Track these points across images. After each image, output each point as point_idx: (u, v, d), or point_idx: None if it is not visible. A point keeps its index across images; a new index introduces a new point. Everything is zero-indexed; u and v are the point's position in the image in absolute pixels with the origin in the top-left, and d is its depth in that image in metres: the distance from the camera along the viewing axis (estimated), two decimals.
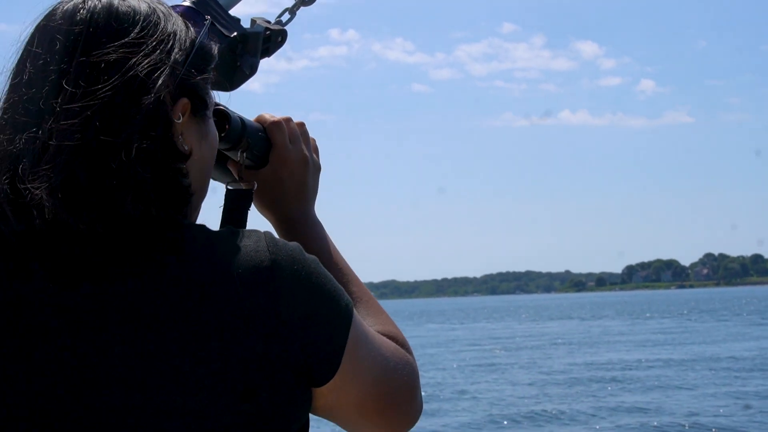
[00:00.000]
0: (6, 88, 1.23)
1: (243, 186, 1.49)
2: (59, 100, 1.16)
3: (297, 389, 1.20)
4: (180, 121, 1.23)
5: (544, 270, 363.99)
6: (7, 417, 1.14)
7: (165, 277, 1.15)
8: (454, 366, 30.73)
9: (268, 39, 1.57)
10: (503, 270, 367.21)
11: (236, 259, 1.18)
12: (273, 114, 1.53)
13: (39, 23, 1.25)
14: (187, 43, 1.25)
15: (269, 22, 1.60)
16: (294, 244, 1.25)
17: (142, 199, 1.15)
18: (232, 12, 1.55)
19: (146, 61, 1.19)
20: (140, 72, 1.17)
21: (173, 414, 1.13)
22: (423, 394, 1.40)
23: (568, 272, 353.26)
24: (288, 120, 1.53)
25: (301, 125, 1.55)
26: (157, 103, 1.18)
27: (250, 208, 1.47)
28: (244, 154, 1.47)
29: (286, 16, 1.62)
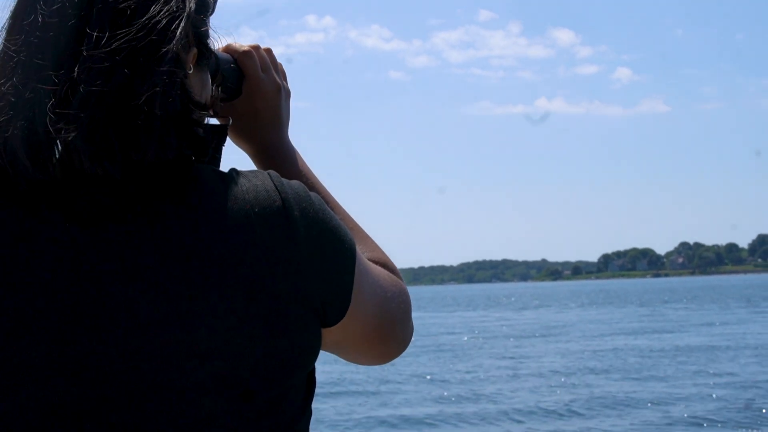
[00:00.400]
0: (10, 27, 1.20)
1: (218, 121, 1.45)
2: (84, 45, 1.14)
3: (316, 328, 1.22)
4: (191, 71, 1.24)
5: (520, 258, 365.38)
6: (23, 353, 1.12)
7: (186, 217, 1.15)
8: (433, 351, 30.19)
9: None
10: (480, 258, 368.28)
11: (251, 198, 1.19)
12: (240, 43, 1.51)
13: None
14: None
15: None
16: (297, 182, 1.26)
17: (164, 146, 1.15)
18: None
19: (166, 8, 1.18)
20: (162, 20, 1.17)
21: (198, 354, 1.12)
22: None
23: (544, 261, 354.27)
24: (257, 48, 1.52)
25: (269, 51, 1.54)
26: (177, 51, 1.18)
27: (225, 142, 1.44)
28: (219, 88, 1.45)
29: None
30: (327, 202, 1.40)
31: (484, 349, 32.66)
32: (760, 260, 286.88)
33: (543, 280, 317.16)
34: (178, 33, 1.18)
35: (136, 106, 1.13)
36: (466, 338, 38.24)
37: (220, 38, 1.41)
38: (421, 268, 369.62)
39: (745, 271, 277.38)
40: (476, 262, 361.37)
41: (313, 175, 1.54)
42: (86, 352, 1.12)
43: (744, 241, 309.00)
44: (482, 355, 29.89)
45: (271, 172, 1.26)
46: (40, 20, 1.16)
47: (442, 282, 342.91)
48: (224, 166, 1.29)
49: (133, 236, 1.14)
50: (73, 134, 1.11)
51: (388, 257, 1.45)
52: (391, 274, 1.39)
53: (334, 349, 1.32)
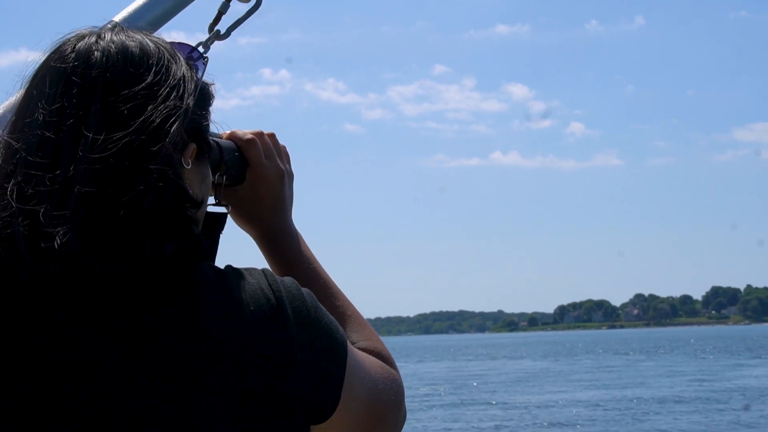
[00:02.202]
0: (13, 123, 1.23)
1: (220, 206, 1.50)
2: (80, 146, 1.16)
3: (305, 426, 1.24)
4: (189, 167, 1.25)
5: (477, 310, 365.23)
6: None
7: (182, 315, 1.17)
8: None
9: None
10: (436, 309, 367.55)
11: (246, 297, 1.22)
12: (244, 130, 1.54)
13: (48, 61, 1.24)
14: (192, 87, 1.26)
15: None
16: (289, 279, 1.29)
17: (159, 242, 1.16)
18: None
19: (162, 107, 1.19)
20: (157, 119, 1.18)
21: None
22: None
23: (501, 312, 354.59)
24: (261, 135, 1.54)
25: (272, 137, 1.56)
26: (172, 149, 1.19)
27: (223, 230, 1.48)
28: (223, 177, 1.48)
29: (200, 50, 1.56)
30: (329, 288, 1.49)
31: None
32: (713, 312, 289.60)
33: (500, 331, 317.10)
34: (171, 131, 1.19)
35: (127, 203, 1.15)
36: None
37: (222, 127, 1.45)
38: (378, 319, 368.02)
39: (699, 323, 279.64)
40: (433, 313, 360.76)
41: (315, 259, 1.55)
42: None
43: (698, 293, 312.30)
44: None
45: (266, 269, 1.29)
46: (39, 118, 1.19)
47: (399, 333, 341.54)
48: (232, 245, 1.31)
49: (132, 335, 1.16)
50: (69, 234, 1.13)
51: (383, 346, 1.45)
52: (383, 364, 1.40)
53: None
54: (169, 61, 1.25)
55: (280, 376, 1.20)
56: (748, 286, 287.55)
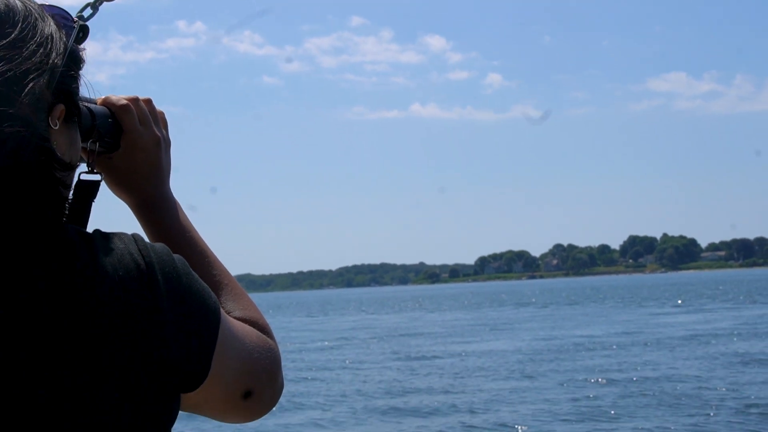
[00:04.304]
0: None
1: (93, 174, 1.44)
2: None
3: (175, 393, 1.22)
4: (57, 128, 1.21)
5: (398, 262, 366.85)
6: None
7: (50, 281, 1.13)
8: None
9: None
10: (358, 262, 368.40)
11: (115, 262, 1.18)
12: (118, 96, 1.49)
13: None
14: (62, 47, 1.22)
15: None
16: (160, 245, 1.27)
17: (23, 204, 1.13)
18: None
19: (27, 63, 1.16)
20: (21, 73, 1.14)
21: (65, 423, 1.11)
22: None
23: (422, 264, 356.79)
24: (135, 100, 1.50)
25: (149, 102, 1.53)
26: (36, 107, 1.15)
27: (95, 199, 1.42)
28: (96, 143, 1.45)
29: (87, 11, 1.51)
30: (206, 257, 1.47)
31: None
32: (630, 261, 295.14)
33: (422, 283, 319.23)
34: (38, 87, 1.15)
35: None
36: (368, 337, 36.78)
37: (97, 91, 1.39)
38: (300, 273, 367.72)
39: (617, 272, 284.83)
40: (355, 266, 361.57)
41: (193, 227, 1.53)
42: None
43: (616, 243, 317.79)
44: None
45: (136, 234, 1.26)
46: None
47: (321, 286, 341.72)
48: (106, 217, 1.27)
49: None
50: None
51: (260, 314, 1.45)
52: (259, 334, 1.39)
53: (193, 411, 1.33)
54: (36, 19, 1.20)
55: (150, 343, 1.17)
56: (665, 235, 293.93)
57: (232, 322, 1.33)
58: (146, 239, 1.25)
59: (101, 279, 1.15)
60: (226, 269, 1.48)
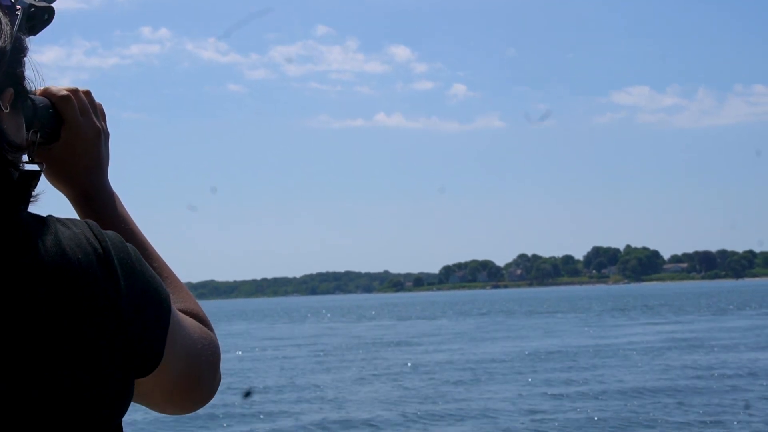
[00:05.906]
0: None
1: (33, 164, 1.42)
2: None
3: (131, 379, 1.23)
4: (7, 110, 1.21)
5: (363, 270, 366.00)
6: None
7: (4, 263, 1.13)
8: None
9: (33, 16, 1.38)
10: (323, 270, 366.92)
11: (73, 245, 1.18)
12: (58, 86, 1.49)
13: None
14: (8, 32, 1.21)
15: None
16: (113, 232, 1.27)
17: None
18: None
19: None
20: None
21: (17, 406, 1.11)
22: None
23: (387, 272, 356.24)
24: (76, 91, 1.50)
25: (88, 94, 1.52)
26: None
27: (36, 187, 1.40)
28: (37, 134, 1.43)
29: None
30: (146, 249, 1.46)
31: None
32: (594, 272, 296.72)
33: (386, 291, 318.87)
34: None
35: None
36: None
37: (39, 81, 1.38)
38: (264, 280, 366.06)
39: (581, 283, 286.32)
40: (319, 274, 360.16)
41: (132, 220, 1.54)
42: None
43: (579, 254, 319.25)
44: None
45: (89, 221, 1.26)
46: None
47: (285, 294, 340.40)
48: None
49: None
50: None
51: (200, 308, 1.46)
52: (201, 326, 1.41)
53: (139, 400, 1.33)
54: None
55: (108, 327, 1.17)
56: (628, 246, 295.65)
57: (178, 312, 1.33)
58: (99, 227, 1.25)
59: (61, 261, 1.15)
60: (165, 262, 1.49)
